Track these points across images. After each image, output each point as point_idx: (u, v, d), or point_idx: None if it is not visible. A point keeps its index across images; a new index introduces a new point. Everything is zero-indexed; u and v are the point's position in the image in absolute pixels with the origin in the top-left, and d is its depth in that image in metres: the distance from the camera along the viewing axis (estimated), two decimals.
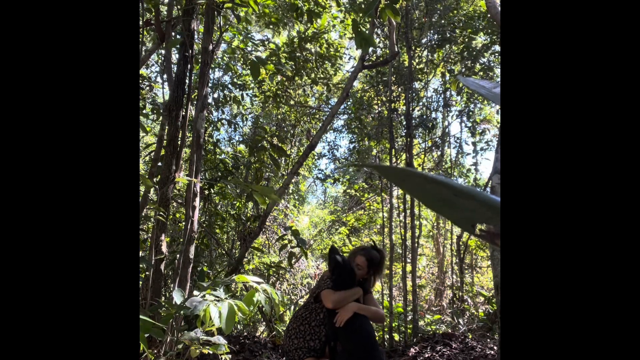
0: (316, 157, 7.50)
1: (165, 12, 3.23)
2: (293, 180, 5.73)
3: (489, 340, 4.55)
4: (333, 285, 2.32)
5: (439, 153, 6.82)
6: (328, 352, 2.36)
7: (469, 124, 6.06)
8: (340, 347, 2.29)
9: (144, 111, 5.11)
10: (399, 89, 5.62)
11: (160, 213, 2.90)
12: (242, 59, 5.57)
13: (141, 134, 5.22)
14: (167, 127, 3.24)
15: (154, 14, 3.02)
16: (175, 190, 4.34)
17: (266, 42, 5.29)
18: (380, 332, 4.85)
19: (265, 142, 4.91)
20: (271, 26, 5.46)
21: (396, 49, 4.45)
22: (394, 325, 4.87)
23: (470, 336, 4.67)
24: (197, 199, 2.88)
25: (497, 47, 5.36)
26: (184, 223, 2.88)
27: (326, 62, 5.50)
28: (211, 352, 2.13)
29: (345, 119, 7.20)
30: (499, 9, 3.52)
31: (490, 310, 5.45)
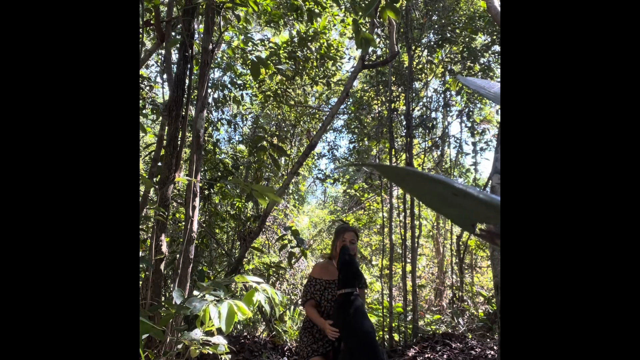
0: (316, 157, 7.50)
1: (165, 12, 3.23)
2: (293, 180, 5.73)
3: (489, 340, 4.55)
4: (339, 284, 2.38)
5: (438, 153, 6.82)
6: (332, 352, 2.40)
7: (469, 124, 6.06)
8: (343, 346, 2.32)
9: (144, 111, 5.11)
10: (399, 89, 5.62)
11: (160, 213, 2.90)
12: (242, 59, 5.57)
13: (141, 134, 5.22)
14: (167, 127, 3.24)
15: (154, 14, 3.02)
16: (175, 190, 4.34)
17: (266, 42, 5.29)
18: (380, 332, 4.85)
19: (265, 142, 4.91)
20: (272, 24, 5.46)
21: (396, 49, 4.45)
22: (394, 325, 4.87)
23: (470, 336, 4.67)
24: (197, 199, 2.88)
25: (497, 47, 5.36)
26: (184, 223, 2.88)
27: (327, 60, 5.50)
28: (211, 352, 2.13)
29: (345, 119, 7.20)
30: (499, 9, 3.52)
31: (490, 310, 5.45)
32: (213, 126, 5.46)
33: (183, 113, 3.27)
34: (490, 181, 2.80)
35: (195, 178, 2.83)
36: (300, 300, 2.50)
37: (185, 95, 3.36)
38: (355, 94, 6.48)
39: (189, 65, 3.33)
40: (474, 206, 0.46)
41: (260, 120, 6.60)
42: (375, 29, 4.70)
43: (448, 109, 6.36)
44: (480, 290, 6.50)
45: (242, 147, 6.05)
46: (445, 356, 3.99)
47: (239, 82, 5.69)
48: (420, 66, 5.73)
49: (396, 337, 4.86)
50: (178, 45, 3.35)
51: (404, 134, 5.62)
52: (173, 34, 3.38)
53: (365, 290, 2.94)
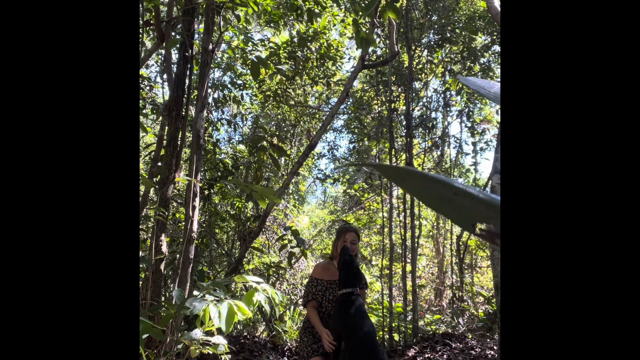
0: (316, 157, 7.49)
1: (165, 12, 3.23)
2: (293, 180, 5.73)
3: (489, 340, 4.55)
4: (340, 284, 2.39)
5: (438, 153, 6.83)
6: (332, 352, 2.40)
7: (469, 124, 6.06)
8: (344, 346, 2.32)
9: (144, 111, 5.11)
10: (399, 89, 5.62)
11: (160, 213, 2.90)
12: (242, 59, 5.57)
13: (141, 134, 5.22)
14: (167, 127, 3.24)
15: (154, 14, 3.02)
16: (175, 190, 4.34)
17: (266, 42, 5.29)
18: (380, 332, 4.85)
19: (265, 142, 4.92)
20: (272, 24, 5.46)
21: (396, 49, 4.45)
22: (394, 325, 4.87)
23: (470, 336, 4.67)
24: (197, 199, 2.88)
25: (497, 47, 5.36)
26: (184, 223, 2.88)
27: (327, 60, 5.50)
28: (211, 352, 2.13)
29: (345, 119, 7.20)
30: (499, 9, 3.52)
31: (490, 310, 5.45)
32: (213, 126, 5.46)
33: (183, 113, 3.27)
34: (490, 181, 2.80)
35: (195, 178, 2.83)
36: (301, 300, 2.53)
37: (185, 95, 3.36)
38: (355, 94, 6.48)
39: (189, 65, 3.34)
40: (474, 206, 0.46)
41: (260, 120, 6.60)
42: (375, 29, 4.70)
43: (448, 109, 6.36)
44: (480, 290, 6.50)
45: (242, 147, 6.05)
46: (445, 356, 3.99)
47: (239, 82, 5.69)
48: (420, 66, 5.73)
49: (396, 337, 4.86)
50: (178, 45, 3.35)
51: (404, 134, 5.62)
52: (173, 34, 3.38)
53: (366, 291, 2.94)
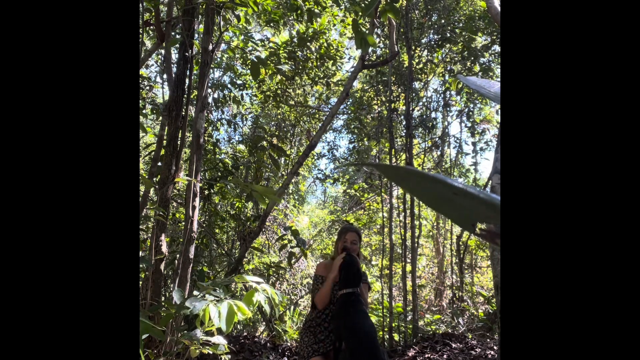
0: (316, 157, 7.50)
1: (165, 12, 3.23)
2: (293, 180, 5.73)
3: (489, 340, 4.55)
4: (340, 284, 2.39)
5: (438, 153, 6.83)
6: (332, 352, 2.40)
7: (469, 124, 6.06)
8: (344, 346, 2.31)
9: (144, 111, 5.11)
10: (399, 89, 5.62)
11: (160, 213, 2.90)
12: (242, 59, 5.57)
13: (141, 134, 5.22)
14: (167, 127, 3.24)
15: (154, 13, 3.02)
16: (175, 190, 4.34)
17: (266, 42, 5.29)
18: (380, 332, 4.85)
19: (265, 142, 4.92)
20: (272, 24, 5.46)
21: (396, 49, 4.45)
22: (394, 325, 4.87)
23: (470, 336, 4.67)
24: (197, 199, 2.88)
25: (497, 47, 5.36)
26: (184, 223, 2.88)
27: (327, 60, 5.50)
28: (211, 352, 2.13)
29: (345, 119, 7.20)
30: (499, 9, 3.52)
31: (490, 310, 5.45)
32: (213, 126, 5.46)
33: (183, 113, 3.27)
34: (490, 181, 2.80)
35: (195, 178, 2.83)
36: (310, 296, 2.54)
37: (185, 95, 3.36)
38: (355, 94, 6.48)
39: (189, 65, 3.33)
40: (474, 206, 0.46)
41: (260, 120, 6.60)
42: (375, 29, 4.70)
43: (448, 109, 6.36)
44: (480, 290, 6.51)
45: (242, 147, 6.05)
46: (445, 356, 3.99)
47: (239, 82, 5.69)
48: (420, 66, 5.73)
49: (396, 337, 4.86)
50: (178, 45, 3.35)
51: (404, 134, 5.62)
52: (173, 34, 3.37)
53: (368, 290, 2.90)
